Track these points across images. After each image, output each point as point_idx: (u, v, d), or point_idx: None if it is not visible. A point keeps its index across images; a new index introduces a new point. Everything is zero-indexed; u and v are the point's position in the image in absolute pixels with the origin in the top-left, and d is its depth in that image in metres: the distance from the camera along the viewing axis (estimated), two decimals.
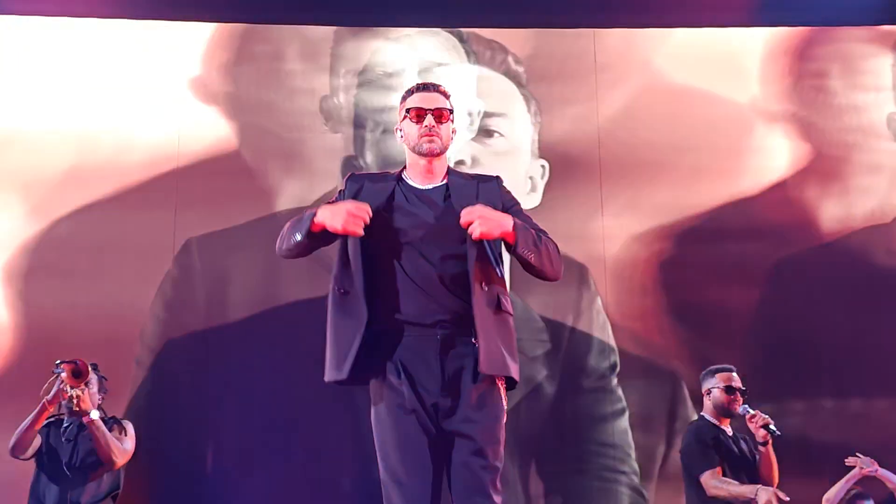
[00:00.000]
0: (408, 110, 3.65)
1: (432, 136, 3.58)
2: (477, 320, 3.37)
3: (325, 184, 6.87)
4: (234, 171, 6.96)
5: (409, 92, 3.71)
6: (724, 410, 5.69)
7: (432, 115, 3.60)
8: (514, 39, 7.30)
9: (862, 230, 7.20)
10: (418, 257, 3.46)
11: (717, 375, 5.76)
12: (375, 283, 3.45)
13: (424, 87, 3.69)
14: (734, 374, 5.76)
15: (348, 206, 3.39)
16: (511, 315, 3.55)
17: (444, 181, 3.66)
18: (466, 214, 3.38)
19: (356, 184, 3.62)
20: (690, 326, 6.95)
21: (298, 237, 3.47)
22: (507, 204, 3.66)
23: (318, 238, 3.48)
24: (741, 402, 5.64)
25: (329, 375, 3.47)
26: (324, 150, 7.05)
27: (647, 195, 7.13)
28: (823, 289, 7.03)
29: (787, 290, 7.04)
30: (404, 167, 3.70)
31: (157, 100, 7.03)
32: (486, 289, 3.44)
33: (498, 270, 3.54)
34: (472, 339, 3.40)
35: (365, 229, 3.39)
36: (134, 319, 6.64)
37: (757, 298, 7.04)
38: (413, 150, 3.62)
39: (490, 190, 3.67)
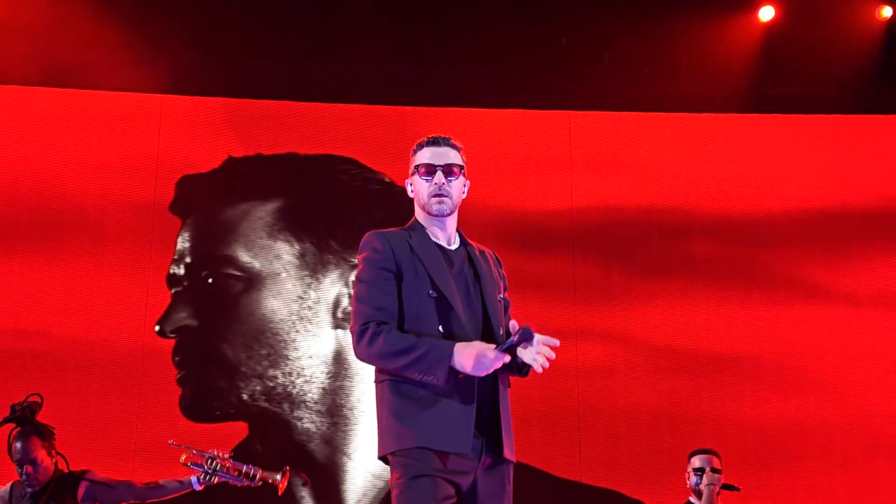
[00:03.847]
0: (417, 166, 3.49)
1: (441, 196, 3.42)
2: (500, 397, 3.28)
3: None
4: None
5: (419, 146, 3.52)
6: (697, 492, 5.45)
7: (442, 171, 3.44)
8: (487, 120, 7.34)
9: None
10: (457, 320, 3.28)
11: (691, 458, 5.55)
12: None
13: (434, 142, 3.50)
14: (707, 455, 5.50)
15: (490, 355, 3.12)
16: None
17: (460, 243, 3.53)
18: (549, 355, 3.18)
19: (400, 240, 3.38)
20: None
21: (418, 376, 3.16)
22: (504, 284, 3.57)
23: None
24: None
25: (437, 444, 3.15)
26: None
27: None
28: None
29: None
30: (414, 219, 3.53)
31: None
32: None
33: None
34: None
35: (419, 290, 3.27)
36: None
37: None
38: (423, 209, 3.46)
39: (497, 268, 3.57)
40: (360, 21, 7.16)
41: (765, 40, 7.47)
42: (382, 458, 3.27)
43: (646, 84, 7.46)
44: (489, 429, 3.25)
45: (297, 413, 6.83)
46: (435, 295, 3.29)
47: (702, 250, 7.29)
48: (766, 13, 7.42)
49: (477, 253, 3.51)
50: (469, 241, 3.56)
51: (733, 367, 7.10)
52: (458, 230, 3.55)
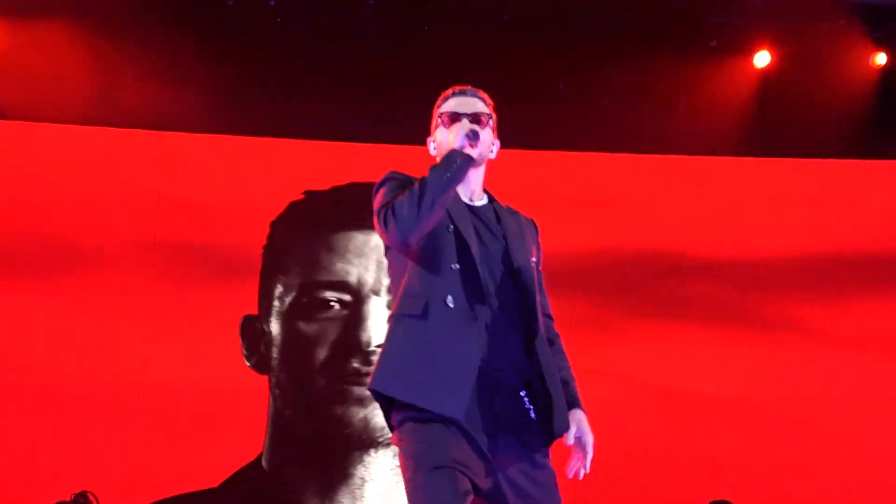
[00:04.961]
0: (441, 115, 3.26)
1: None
2: (543, 366, 3.05)
3: None
4: None
5: (444, 98, 3.29)
6: None
7: (469, 119, 3.17)
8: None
9: None
10: (472, 261, 3.04)
11: None
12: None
13: (462, 92, 3.27)
14: None
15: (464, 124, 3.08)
16: None
17: (488, 201, 3.29)
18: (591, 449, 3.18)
19: (411, 180, 3.09)
20: None
21: (448, 175, 2.96)
22: (538, 257, 3.32)
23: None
24: None
25: (422, 401, 2.91)
26: None
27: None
28: None
29: None
30: None
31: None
32: (542, 330, 3.13)
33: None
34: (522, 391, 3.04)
35: (448, 240, 3.05)
36: None
37: None
38: None
39: (531, 233, 3.32)
40: (358, 58, 7.23)
41: (760, 85, 7.56)
42: (373, 391, 3.05)
43: (642, 126, 7.49)
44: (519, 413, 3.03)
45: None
46: (453, 230, 3.07)
47: (698, 292, 7.32)
48: (762, 58, 7.50)
49: (507, 214, 3.29)
50: (501, 203, 3.34)
51: (728, 410, 7.09)
52: (486, 190, 3.33)
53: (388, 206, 3.01)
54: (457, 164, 2.97)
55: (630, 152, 7.52)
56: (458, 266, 3.02)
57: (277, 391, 6.94)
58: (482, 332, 2.97)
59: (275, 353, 6.96)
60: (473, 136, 3.04)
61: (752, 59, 7.51)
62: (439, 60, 7.31)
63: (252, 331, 6.96)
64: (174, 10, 6.89)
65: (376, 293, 6.99)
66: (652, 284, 7.33)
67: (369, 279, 7.01)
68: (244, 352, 6.94)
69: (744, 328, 7.26)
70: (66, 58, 6.97)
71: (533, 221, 3.41)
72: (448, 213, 3.07)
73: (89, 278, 6.95)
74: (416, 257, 3.06)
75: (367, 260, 7.06)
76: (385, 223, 3.02)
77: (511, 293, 3.10)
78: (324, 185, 7.23)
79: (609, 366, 7.11)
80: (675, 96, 7.51)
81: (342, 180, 7.19)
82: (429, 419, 2.90)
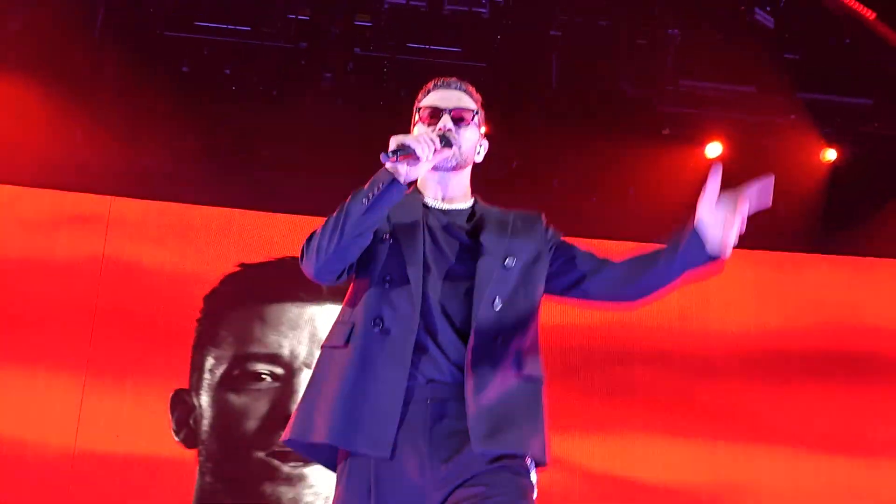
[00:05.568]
0: (420, 109, 2.95)
1: None
2: (467, 383, 2.70)
3: None
4: None
5: (426, 90, 2.98)
6: None
7: (450, 115, 2.87)
8: None
9: None
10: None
11: None
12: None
13: (445, 84, 2.96)
14: None
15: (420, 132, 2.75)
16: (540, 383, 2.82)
17: (470, 204, 2.95)
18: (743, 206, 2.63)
19: None
20: None
21: (366, 202, 2.59)
22: (553, 239, 3.06)
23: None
24: None
25: (335, 438, 2.61)
26: None
27: None
28: None
29: None
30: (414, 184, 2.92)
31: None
32: (503, 346, 2.85)
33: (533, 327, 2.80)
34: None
35: (382, 252, 2.73)
36: None
37: None
38: None
39: (531, 226, 2.98)
40: (309, 130, 7.20)
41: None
42: (286, 444, 2.76)
43: (593, 211, 7.51)
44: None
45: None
46: (391, 241, 2.75)
47: (642, 378, 7.30)
48: (714, 149, 7.55)
49: (494, 219, 2.93)
50: (497, 207, 2.99)
51: (671, 496, 7.04)
52: (475, 197, 3.01)
53: (310, 235, 2.74)
54: (379, 188, 2.63)
55: (580, 237, 7.46)
56: (389, 278, 2.71)
57: (206, 465, 6.78)
58: (408, 352, 2.65)
59: (204, 425, 6.83)
60: (403, 151, 2.65)
61: (703, 149, 7.56)
62: (393, 135, 7.30)
63: (182, 405, 6.85)
64: (127, 74, 6.82)
65: (308, 366, 6.88)
66: (598, 370, 7.29)
67: (302, 352, 6.91)
68: (173, 426, 6.81)
69: (688, 415, 7.23)
70: (16, 119, 6.87)
71: (539, 216, 3.06)
72: (389, 218, 2.76)
73: (27, 340, 6.80)
74: (354, 276, 2.79)
75: (301, 332, 6.95)
76: (301, 257, 2.74)
77: (462, 307, 2.77)
78: (264, 255, 7.16)
79: (552, 450, 7.02)
80: (626, 182, 7.55)
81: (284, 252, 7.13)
82: (347, 475, 2.65)
